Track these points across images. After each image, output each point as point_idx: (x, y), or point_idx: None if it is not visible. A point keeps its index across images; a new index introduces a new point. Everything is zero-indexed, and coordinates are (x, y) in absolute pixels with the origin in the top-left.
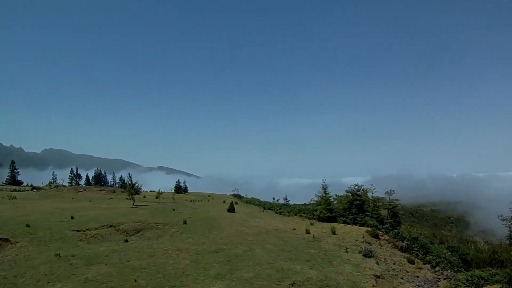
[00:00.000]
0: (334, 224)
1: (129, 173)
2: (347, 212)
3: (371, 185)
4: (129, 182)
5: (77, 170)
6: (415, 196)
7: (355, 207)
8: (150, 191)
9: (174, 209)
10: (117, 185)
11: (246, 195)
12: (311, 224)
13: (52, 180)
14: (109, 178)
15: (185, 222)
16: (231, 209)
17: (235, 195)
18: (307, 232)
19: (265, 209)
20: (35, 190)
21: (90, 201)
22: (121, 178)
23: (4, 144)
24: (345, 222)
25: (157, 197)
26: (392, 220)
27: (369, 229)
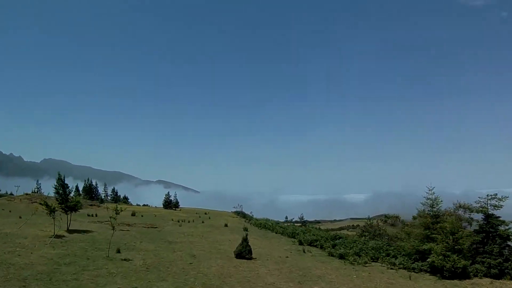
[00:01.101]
0: None
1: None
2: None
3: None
4: (58, 185)
5: (64, 179)
6: (415, 213)
7: (493, 243)
8: (143, 205)
9: (119, 250)
10: (109, 198)
11: (251, 213)
12: None
13: (36, 189)
14: (100, 190)
15: None
16: (243, 252)
17: (237, 213)
18: None
19: (301, 243)
20: None
21: None
22: (113, 191)
23: (3, 152)
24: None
25: (133, 214)
26: None
27: None
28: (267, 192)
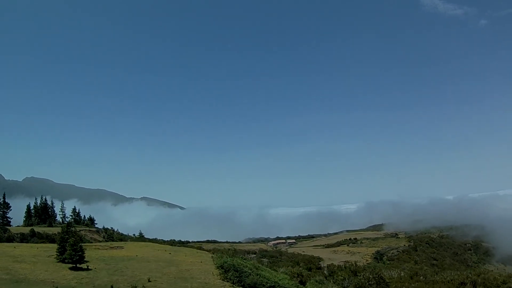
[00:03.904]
0: None
1: None
2: None
3: None
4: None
5: (4, 198)
6: (413, 221)
7: None
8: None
9: None
10: (67, 219)
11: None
12: None
13: None
14: (57, 209)
15: None
16: None
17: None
18: None
19: None
20: None
21: None
22: (74, 210)
23: None
24: None
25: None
26: None
27: None
28: (255, 207)
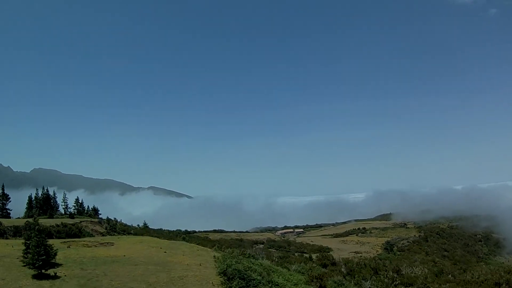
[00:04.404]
0: None
1: None
2: None
3: None
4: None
5: (3, 189)
6: (422, 211)
7: None
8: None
9: None
10: (70, 209)
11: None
12: None
13: None
14: (59, 199)
15: None
16: None
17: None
18: None
19: None
20: None
21: None
22: (76, 201)
23: None
24: None
25: None
26: None
27: None
28: (262, 195)
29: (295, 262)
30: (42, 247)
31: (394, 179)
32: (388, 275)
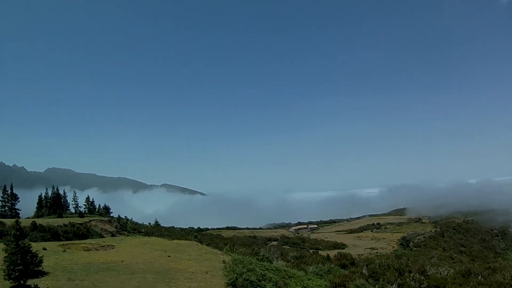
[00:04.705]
0: None
1: None
2: None
3: None
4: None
5: (12, 189)
6: (436, 206)
7: None
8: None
9: None
10: (80, 208)
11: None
12: None
13: None
14: (69, 198)
15: None
16: None
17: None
18: None
19: None
20: None
21: None
22: (87, 199)
23: (6, 164)
24: None
25: None
26: None
27: None
28: (275, 192)
29: (312, 262)
30: (19, 254)
31: (407, 174)
32: (414, 277)
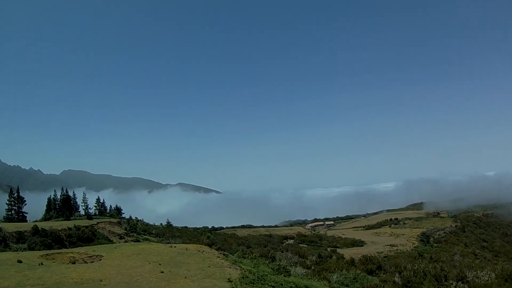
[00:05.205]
0: None
1: None
2: None
3: None
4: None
5: (18, 192)
6: (454, 199)
7: None
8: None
9: None
10: (91, 210)
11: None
12: None
13: None
14: (79, 200)
15: None
16: None
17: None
18: None
19: None
20: None
21: None
22: (98, 201)
23: (23, 168)
24: None
25: None
26: None
27: None
28: (290, 188)
29: (335, 269)
30: None
31: (423, 168)
32: (457, 287)
